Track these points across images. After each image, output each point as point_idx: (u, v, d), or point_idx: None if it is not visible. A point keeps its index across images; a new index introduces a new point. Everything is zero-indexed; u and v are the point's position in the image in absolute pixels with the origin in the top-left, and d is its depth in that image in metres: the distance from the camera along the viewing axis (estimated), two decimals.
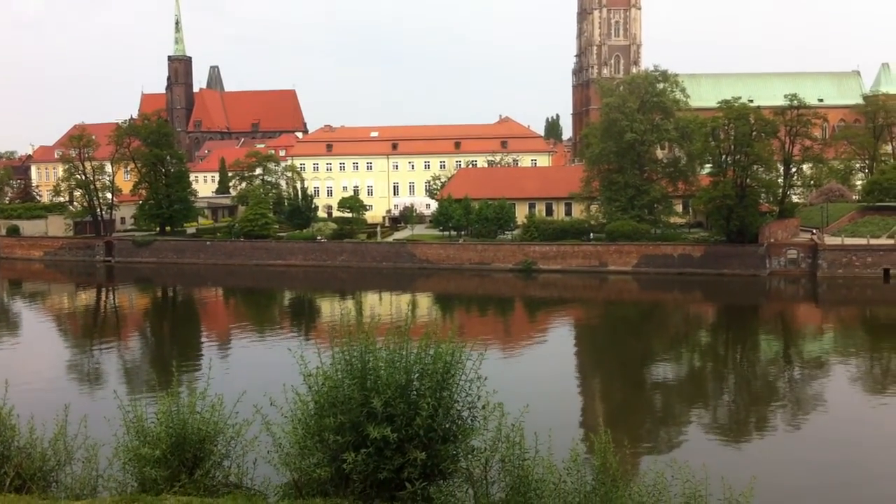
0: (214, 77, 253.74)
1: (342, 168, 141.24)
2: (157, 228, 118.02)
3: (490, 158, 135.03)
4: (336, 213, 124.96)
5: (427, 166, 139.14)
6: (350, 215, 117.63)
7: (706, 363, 58.76)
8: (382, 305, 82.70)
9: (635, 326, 72.26)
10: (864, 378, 52.13)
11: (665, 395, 48.70)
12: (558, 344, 64.60)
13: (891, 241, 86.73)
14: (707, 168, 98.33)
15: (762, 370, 55.70)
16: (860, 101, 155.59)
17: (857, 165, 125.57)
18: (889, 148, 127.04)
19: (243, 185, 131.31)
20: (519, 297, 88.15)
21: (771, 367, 56.61)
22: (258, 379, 29.81)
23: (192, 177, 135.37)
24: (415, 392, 12.02)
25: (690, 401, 46.83)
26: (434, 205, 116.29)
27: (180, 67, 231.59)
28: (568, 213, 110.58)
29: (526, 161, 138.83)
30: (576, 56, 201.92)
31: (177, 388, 13.65)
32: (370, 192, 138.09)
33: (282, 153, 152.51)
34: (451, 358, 12.12)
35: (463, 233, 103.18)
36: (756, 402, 46.64)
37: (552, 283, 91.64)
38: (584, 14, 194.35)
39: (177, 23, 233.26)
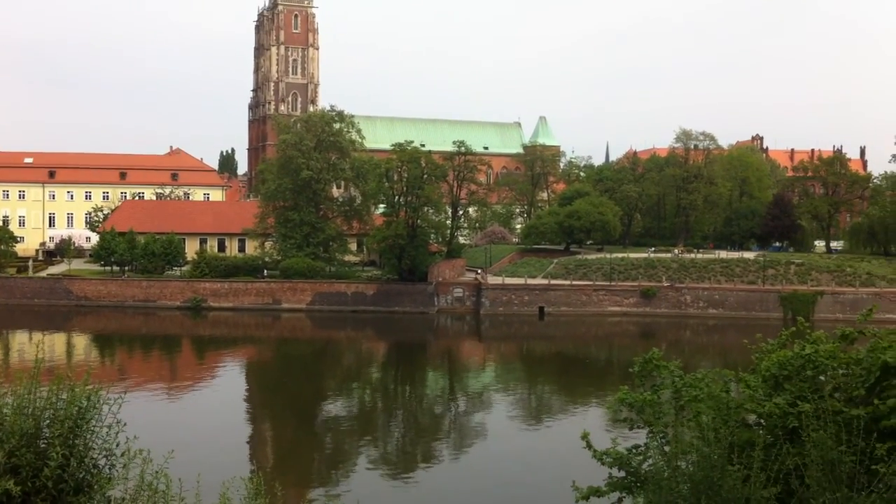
0: None
1: None
2: None
3: (159, 191, 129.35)
4: None
5: (89, 197, 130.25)
6: None
7: (376, 399, 59.57)
8: (31, 347, 75.42)
9: (307, 365, 71.74)
10: (521, 409, 55.41)
11: (335, 433, 48.48)
12: (225, 385, 62.42)
13: (545, 282, 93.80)
14: (381, 208, 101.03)
15: (429, 405, 57.42)
16: (521, 150, 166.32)
17: (518, 210, 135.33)
18: (545, 195, 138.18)
19: None
20: (186, 336, 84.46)
21: (437, 401, 58.53)
22: None
23: None
24: (45, 441, 10.41)
25: (360, 437, 46.96)
26: (95, 238, 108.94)
27: None
28: (241, 249, 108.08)
29: (198, 195, 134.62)
30: (252, 91, 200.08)
31: None
32: (22, 223, 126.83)
33: None
34: (87, 402, 10.65)
35: (127, 268, 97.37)
36: (423, 435, 47.74)
37: (223, 322, 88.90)
38: (261, 50, 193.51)
39: None
